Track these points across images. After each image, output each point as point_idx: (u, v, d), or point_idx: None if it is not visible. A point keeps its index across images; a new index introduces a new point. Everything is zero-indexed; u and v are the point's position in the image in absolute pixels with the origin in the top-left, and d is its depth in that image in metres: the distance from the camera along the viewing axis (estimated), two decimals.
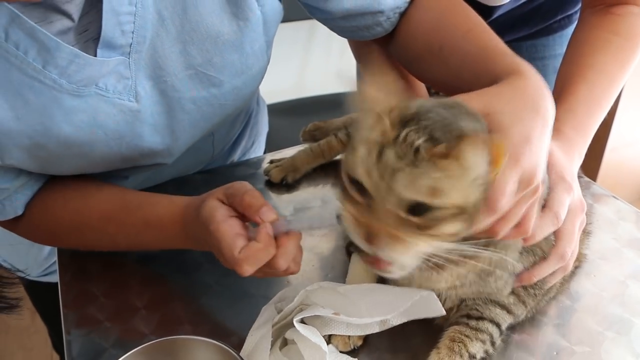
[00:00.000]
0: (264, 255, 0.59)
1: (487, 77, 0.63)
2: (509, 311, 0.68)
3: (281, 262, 0.60)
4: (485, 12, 0.74)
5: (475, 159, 0.51)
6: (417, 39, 0.77)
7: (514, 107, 0.56)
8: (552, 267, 0.67)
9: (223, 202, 0.63)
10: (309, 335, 0.62)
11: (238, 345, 0.65)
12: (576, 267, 0.77)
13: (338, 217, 0.62)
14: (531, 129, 0.55)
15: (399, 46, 0.81)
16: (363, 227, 0.55)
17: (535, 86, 0.59)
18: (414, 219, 0.53)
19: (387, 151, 0.52)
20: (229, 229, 0.60)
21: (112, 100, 0.66)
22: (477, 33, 0.70)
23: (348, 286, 0.67)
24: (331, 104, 1.75)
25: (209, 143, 0.93)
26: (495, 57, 0.66)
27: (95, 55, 0.63)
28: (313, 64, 2.32)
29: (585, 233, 0.79)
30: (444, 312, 0.62)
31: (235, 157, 1.05)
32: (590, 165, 2.13)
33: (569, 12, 1.09)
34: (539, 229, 0.61)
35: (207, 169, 0.99)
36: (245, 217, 0.62)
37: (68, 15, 0.61)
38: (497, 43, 0.68)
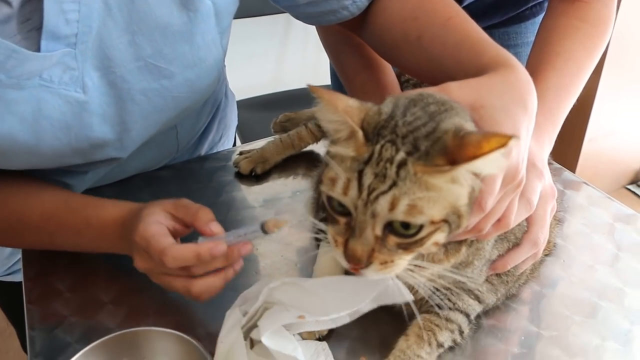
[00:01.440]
0: (190, 254, 0.60)
1: (472, 67, 0.63)
2: (480, 301, 0.68)
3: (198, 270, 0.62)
4: None
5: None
6: (392, 28, 0.75)
7: (504, 103, 0.56)
8: (526, 253, 0.68)
9: (169, 212, 0.66)
10: (282, 349, 0.60)
11: (204, 337, 0.64)
12: (546, 255, 0.77)
13: (262, 226, 0.61)
14: (520, 126, 0.56)
15: (373, 35, 0.80)
16: (343, 247, 0.54)
17: (524, 80, 0.59)
18: (397, 240, 0.52)
19: (366, 171, 0.51)
20: (158, 229, 0.63)
21: (57, 91, 0.64)
22: (458, 22, 0.69)
23: (312, 280, 0.63)
24: (307, 98, 1.73)
25: (172, 136, 0.91)
26: (480, 47, 0.65)
27: (39, 46, 0.61)
28: (290, 58, 2.31)
29: (557, 221, 0.79)
30: (412, 298, 0.61)
31: (203, 151, 1.04)
32: (569, 156, 2.14)
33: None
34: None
35: (174, 163, 0.98)
36: (189, 228, 0.67)
37: (7, 3, 0.58)
38: (479, 32, 0.67)
